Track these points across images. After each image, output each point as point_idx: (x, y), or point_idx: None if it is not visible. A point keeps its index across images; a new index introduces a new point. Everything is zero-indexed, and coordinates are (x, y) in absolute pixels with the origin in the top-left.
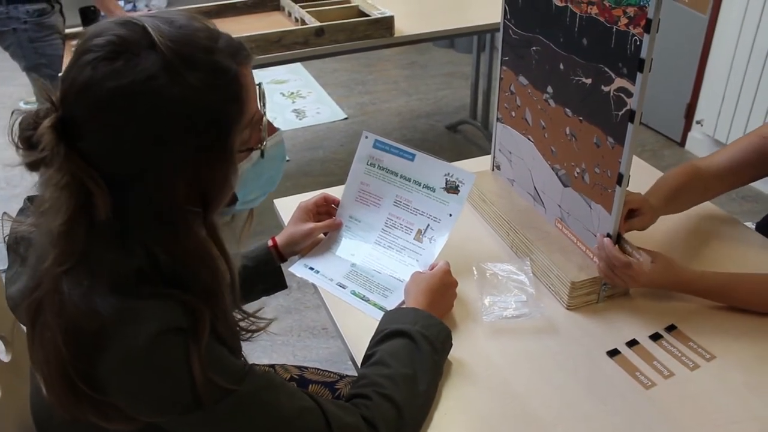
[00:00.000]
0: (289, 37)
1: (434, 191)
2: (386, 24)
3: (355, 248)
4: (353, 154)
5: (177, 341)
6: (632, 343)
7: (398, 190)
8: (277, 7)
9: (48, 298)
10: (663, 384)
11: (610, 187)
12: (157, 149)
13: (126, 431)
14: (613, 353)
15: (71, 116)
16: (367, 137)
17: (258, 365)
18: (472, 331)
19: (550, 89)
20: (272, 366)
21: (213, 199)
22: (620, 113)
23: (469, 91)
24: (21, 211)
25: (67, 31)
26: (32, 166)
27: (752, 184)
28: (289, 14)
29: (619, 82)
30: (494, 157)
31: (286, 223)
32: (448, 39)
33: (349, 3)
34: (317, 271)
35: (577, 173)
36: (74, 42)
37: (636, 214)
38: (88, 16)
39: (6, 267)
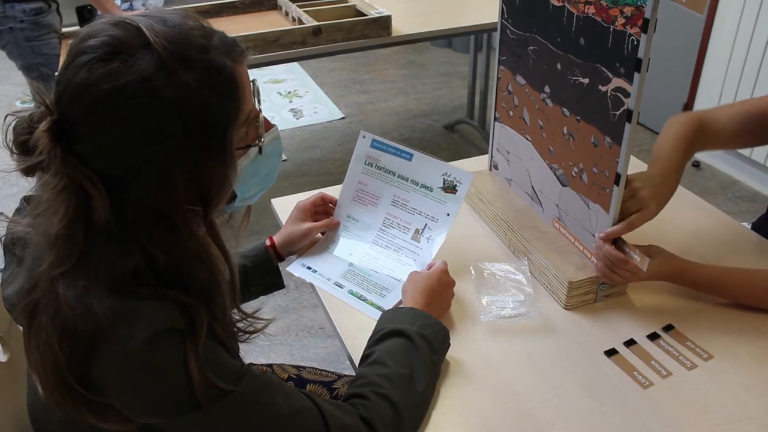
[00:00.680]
0: (286, 37)
1: (432, 191)
2: (384, 23)
3: (352, 248)
4: (350, 153)
5: (174, 342)
6: (630, 343)
7: (396, 189)
8: (275, 7)
9: (44, 300)
10: (661, 383)
11: (608, 186)
12: (155, 149)
13: (123, 431)
14: (611, 353)
15: (67, 119)
16: (364, 137)
17: (256, 365)
18: (470, 330)
19: (547, 89)
20: (270, 365)
21: (212, 198)
22: (617, 113)
23: (467, 91)
24: (17, 211)
25: (64, 30)
26: (27, 172)
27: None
28: (287, 13)
29: (616, 82)
30: (492, 156)
31: (283, 223)
32: (446, 38)
33: (347, 2)
34: (315, 271)
35: (575, 173)
36: (71, 41)
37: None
38: (85, 15)
39: (2, 267)
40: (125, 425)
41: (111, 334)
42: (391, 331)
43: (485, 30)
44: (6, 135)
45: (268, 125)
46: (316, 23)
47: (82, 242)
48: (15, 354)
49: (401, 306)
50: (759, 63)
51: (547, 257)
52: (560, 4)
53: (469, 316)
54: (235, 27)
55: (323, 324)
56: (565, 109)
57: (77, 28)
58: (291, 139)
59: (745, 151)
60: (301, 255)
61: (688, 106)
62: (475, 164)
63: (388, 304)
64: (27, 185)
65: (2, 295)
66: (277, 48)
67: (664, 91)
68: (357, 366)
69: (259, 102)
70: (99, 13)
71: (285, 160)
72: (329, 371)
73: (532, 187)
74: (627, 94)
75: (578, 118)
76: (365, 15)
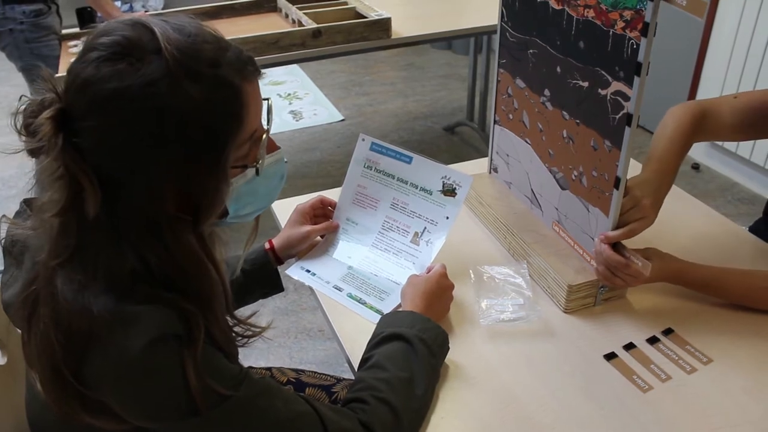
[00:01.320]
0: (286, 39)
1: (431, 194)
2: (383, 26)
3: (351, 251)
4: (350, 155)
5: (171, 348)
6: (629, 347)
7: (395, 192)
8: (274, 9)
9: (43, 292)
10: (660, 387)
11: (607, 190)
12: (149, 155)
13: (117, 431)
14: (611, 356)
15: (71, 110)
16: (363, 140)
17: (255, 368)
18: (469, 334)
19: (547, 92)
20: (269, 369)
21: (202, 210)
22: (617, 117)
23: (466, 93)
24: (17, 214)
25: (64, 31)
26: (33, 153)
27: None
28: (287, 16)
29: (616, 86)
30: (491, 159)
31: (282, 226)
32: (446, 41)
33: (347, 5)
34: (314, 274)
35: (575, 176)
36: (71, 43)
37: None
38: (85, 17)
39: (1, 269)
40: (119, 425)
41: (108, 337)
42: (390, 334)
43: (485, 32)
44: (16, 116)
45: (273, 146)
46: (315, 25)
47: (76, 233)
48: (13, 357)
49: (400, 309)
50: (758, 66)
51: (547, 260)
52: (560, 7)
53: (469, 320)
54: (235, 29)
55: (322, 326)
56: (564, 113)
57: (77, 29)
58: (290, 141)
59: (745, 153)
60: (301, 258)
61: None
62: (474, 167)
63: (387, 307)
64: (26, 187)
65: (1, 298)
66: (277, 50)
67: (664, 94)
68: (356, 369)
69: (269, 121)
70: (99, 14)
71: (285, 162)
72: (328, 375)
73: (532, 190)
74: (627, 98)
75: (578, 121)
76: (365, 17)
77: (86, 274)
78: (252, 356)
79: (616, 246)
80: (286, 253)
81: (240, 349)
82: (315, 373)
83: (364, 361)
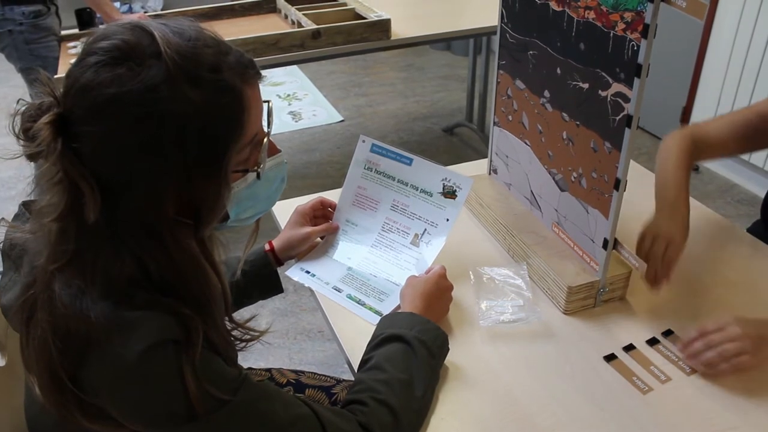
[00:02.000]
0: (285, 40)
1: (431, 196)
2: (383, 27)
3: (351, 252)
4: (350, 156)
5: (169, 353)
6: (629, 348)
7: (395, 194)
8: (274, 10)
9: (41, 297)
10: (660, 389)
11: (607, 191)
12: (149, 160)
13: None
14: (610, 358)
15: (70, 114)
16: (364, 141)
17: (254, 369)
18: (469, 335)
19: (547, 93)
20: (268, 370)
21: (204, 215)
22: (617, 118)
23: (466, 94)
24: (16, 217)
25: (63, 33)
26: (31, 157)
27: (747, 186)
28: (286, 17)
29: (616, 87)
30: (491, 161)
31: (282, 227)
32: (445, 42)
33: (346, 5)
34: (313, 275)
35: (574, 178)
36: (70, 44)
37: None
38: (84, 18)
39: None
40: (117, 430)
41: (106, 343)
42: (389, 336)
43: (484, 33)
44: (14, 120)
45: (274, 149)
46: (315, 26)
47: (75, 238)
48: (13, 359)
49: (399, 311)
50: (757, 67)
51: (547, 262)
52: (560, 8)
53: (468, 321)
54: (234, 30)
55: (322, 327)
56: (564, 114)
57: (76, 30)
58: (290, 142)
59: (744, 155)
60: (300, 259)
61: (687, 109)
62: (474, 168)
63: (387, 308)
64: (26, 189)
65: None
66: (277, 51)
67: (664, 95)
68: (355, 370)
69: (269, 124)
70: (98, 15)
71: (286, 163)
72: (328, 376)
73: (531, 191)
74: (627, 100)
75: (578, 122)
76: (364, 18)
77: (84, 279)
78: (251, 357)
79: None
80: (286, 254)
81: (238, 351)
82: (314, 374)
83: (364, 362)
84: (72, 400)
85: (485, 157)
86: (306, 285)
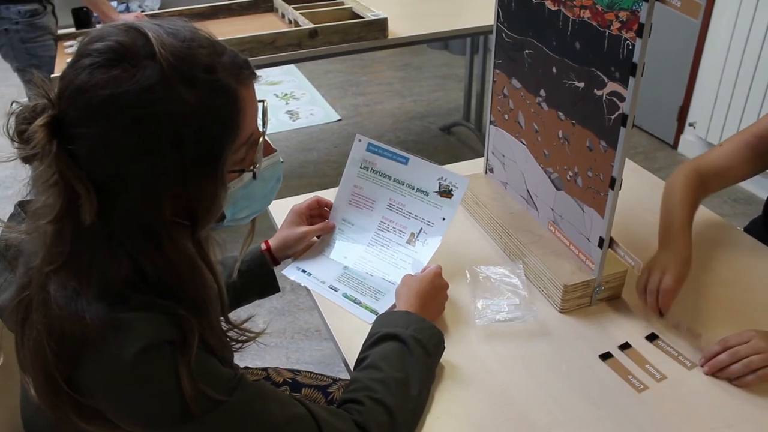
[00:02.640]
0: (282, 39)
1: (427, 195)
2: (380, 26)
3: (347, 251)
4: (347, 155)
5: (165, 355)
6: (625, 347)
7: (391, 193)
8: (271, 9)
9: (36, 298)
10: (655, 387)
11: (602, 190)
12: (145, 161)
13: None
14: (606, 356)
15: (65, 116)
16: (360, 140)
17: (251, 368)
18: (465, 334)
19: (543, 92)
20: (265, 369)
21: (200, 216)
22: (613, 117)
23: (463, 93)
24: (12, 217)
25: (60, 32)
26: (26, 160)
27: (745, 186)
28: (283, 16)
29: (611, 86)
30: (487, 160)
31: (279, 226)
32: (442, 41)
33: (343, 5)
34: (309, 274)
35: (570, 177)
36: (67, 43)
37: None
38: (81, 17)
39: None
40: (112, 430)
41: (101, 344)
42: (385, 334)
43: (481, 33)
44: (8, 122)
45: (269, 149)
46: (312, 25)
47: (71, 240)
48: (9, 358)
49: (395, 309)
50: (753, 66)
51: (543, 261)
52: (556, 8)
53: (465, 320)
54: (231, 29)
55: (318, 327)
56: (560, 113)
57: (73, 30)
58: (287, 141)
59: None
60: (297, 258)
61: (684, 108)
62: (470, 167)
63: (383, 307)
64: (22, 190)
65: None
66: (273, 50)
67: (660, 94)
68: (352, 369)
69: (264, 124)
70: (95, 15)
71: (281, 162)
72: (324, 375)
73: (527, 190)
74: (622, 99)
75: (573, 121)
76: (361, 17)
77: (80, 281)
78: (248, 356)
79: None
80: (282, 253)
81: (235, 353)
82: (311, 373)
83: (360, 361)
84: (67, 402)
85: (482, 156)
86: (302, 284)
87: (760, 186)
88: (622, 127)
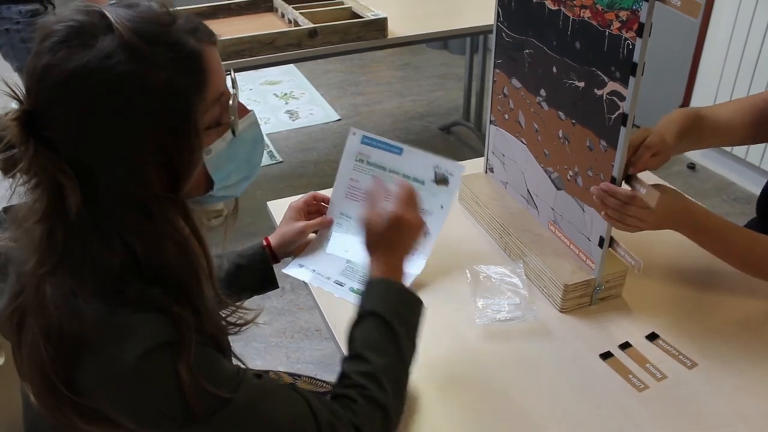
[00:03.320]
0: (282, 39)
1: (424, 184)
2: (379, 25)
3: (347, 244)
4: None
5: (165, 356)
6: (625, 346)
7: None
8: (270, 9)
9: (31, 302)
10: (656, 387)
11: None
12: (120, 128)
13: None
14: (606, 356)
15: (36, 107)
16: (354, 134)
17: (252, 370)
18: (465, 333)
19: (543, 92)
20: (266, 372)
21: (181, 177)
22: (613, 116)
23: (463, 93)
24: None
25: None
26: (5, 170)
27: (745, 186)
28: (282, 15)
29: (611, 86)
30: (487, 159)
31: (278, 224)
32: (442, 41)
33: (343, 5)
34: (313, 270)
35: (570, 176)
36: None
37: (653, 154)
38: None
39: None
40: (113, 430)
41: (101, 346)
42: (367, 312)
43: (481, 32)
44: None
45: (244, 110)
46: (311, 25)
47: (63, 239)
48: (10, 360)
49: (371, 276)
50: (753, 65)
51: (543, 260)
52: (556, 7)
53: (465, 319)
54: (231, 29)
55: (319, 326)
56: (560, 113)
57: None
58: (287, 141)
59: (741, 153)
60: (297, 256)
61: (684, 107)
62: (470, 167)
63: None
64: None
65: None
66: (273, 50)
67: (660, 93)
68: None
69: (234, 86)
70: None
71: (281, 162)
72: (324, 381)
73: (528, 190)
74: (622, 98)
75: (573, 121)
76: (361, 17)
77: (75, 278)
78: (249, 356)
79: (629, 179)
80: (282, 250)
81: (236, 351)
82: (311, 378)
83: (348, 342)
84: (67, 404)
85: (482, 155)
86: (307, 281)
87: (758, 185)
88: (622, 127)
